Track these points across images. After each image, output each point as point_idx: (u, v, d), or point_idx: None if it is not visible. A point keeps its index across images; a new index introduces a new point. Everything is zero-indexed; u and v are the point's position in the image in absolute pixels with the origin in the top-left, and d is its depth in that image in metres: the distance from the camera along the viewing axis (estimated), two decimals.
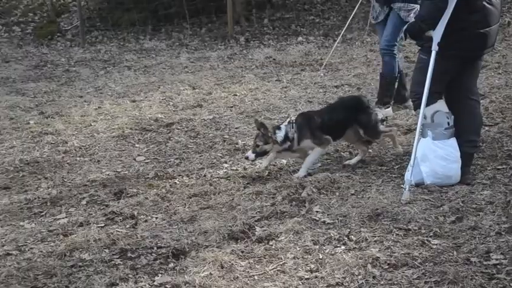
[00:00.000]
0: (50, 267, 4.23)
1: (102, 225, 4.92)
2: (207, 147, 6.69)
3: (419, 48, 5.47)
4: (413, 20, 5.53)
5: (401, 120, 7.11)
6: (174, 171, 6.00)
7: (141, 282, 3.98)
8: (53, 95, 9.23)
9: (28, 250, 4.54)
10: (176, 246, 4.42)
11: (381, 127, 5.89)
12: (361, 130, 5.81)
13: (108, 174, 6.13)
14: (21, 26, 13.98)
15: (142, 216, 5.03)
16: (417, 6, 6.77)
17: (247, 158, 5.76)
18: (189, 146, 6.82)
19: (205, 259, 4.20)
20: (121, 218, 5.03)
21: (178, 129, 7.38)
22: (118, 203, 5.35)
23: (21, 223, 5.09)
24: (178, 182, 5.73)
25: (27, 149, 6.96)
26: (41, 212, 5.32)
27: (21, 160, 6.64)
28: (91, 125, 7.74)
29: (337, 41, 8.12)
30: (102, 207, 5.30)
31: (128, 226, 4.87)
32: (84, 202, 5.45)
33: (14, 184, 6.01)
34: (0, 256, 4.46)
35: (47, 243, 4.65)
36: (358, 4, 7.73)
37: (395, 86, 7.37)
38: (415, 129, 5.65)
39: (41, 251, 4.50)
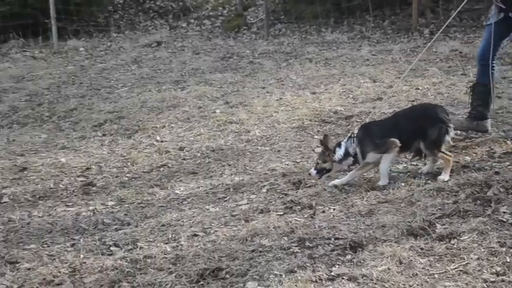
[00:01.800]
0: (232, 250, 4.43)
1: (281, 213, 5.04)
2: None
3: None
4: None
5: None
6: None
7: (319, 271, 4.02)
8: (238, 86, 9.61)
9: (213, 232, 4.79)
10: (354, 238, 4.41)
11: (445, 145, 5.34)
12: (422, 143, 5.33)
13: (287, 164, 6.27)
14: (211, 20, 14.71)
15: (320, 207, 5.08)
16: None
17: (310, 174, 5.58)
18: None
19: (383, 253, 4.14)
20: (299, 207, 5.12)
21: (357, 122, 7.34)
22: (297, 192, 5.45)
23: (207, 207, 5.37)
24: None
25: (213, 137, 7.33)
26: (225, 197, 5.57)
27: (208, 147, 7.00)
28: (272, 115, 7.95)
29: None
30: (281, 196, 5.43)
31: (306, 216, 4.94)
32: (264, 190, 5.62)
33: (200, 170, 6.36)
34: (189, 236, 4.75)
35: (229, 227, 4.87)
36: None
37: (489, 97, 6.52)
38: None
39: (225, 234, 4.72)
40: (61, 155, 7.17)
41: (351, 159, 5.43)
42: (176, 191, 5.83)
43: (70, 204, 5.72)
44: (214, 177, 6.11)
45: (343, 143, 5.47)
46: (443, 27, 7.17)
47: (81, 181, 6.33)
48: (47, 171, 6.68)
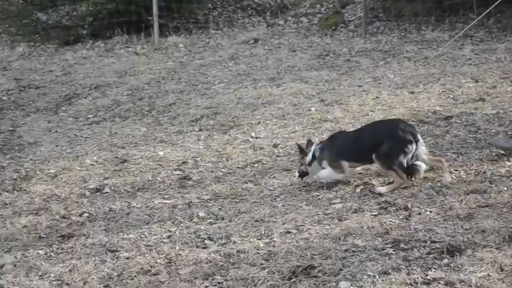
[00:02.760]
0: (325, 248, 4.41)
1: (376, 213, 4.97)
2: (487, 144, 6.34)
3: None
4: None
5: None
6: (451, 165, 5.80)
7: (414, 274, 3.94)
8: (334, 84, 9.54)
9: (306, 230, 4.79)
10: (451, 242, 4.28)
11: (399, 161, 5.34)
12: (374, 154, 5.43)
13: None
14: (308, 18, 14.67)
15: (416, 209, 4.97)
16: None
17: (295, 177, 5.88)
18: (468, 141, 6.54)
19: (483, 259, 4.00)
20: (394, 208, 5.03)
21: (457, 123, 7.12)
22: (391, 192, 5.35)
23: (300, 204, 5.38)
24: (454, 177, 5.54)
25: (307, 134, 7.31)
26: (318, 195, 5.56)
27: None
28: (368, 114, 7.84)
29: None
30: (375, 196, 5.35)
31: (401, 217, 4.85)
32: (358, 190, 5.56)
33: (294, 167, 6.36)
34: (282, 233, 4.77)
35: (322, 225, 4.85)
36: None
37: None
38: None
39: (317, 233, 4.71)
40: (159, 149, 7.39)
41: (316, 163, 5.71)
42: (269, 187, 5.86)
43: (167, 196, 5.88)
44: None
45: (312, 148, 5.79)
46: None
47: (177, 174, 6.50)
48: (146, 163, 6.90)
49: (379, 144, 5.41)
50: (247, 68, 11.03)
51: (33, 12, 15.20)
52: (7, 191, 6.39)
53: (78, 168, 6.93)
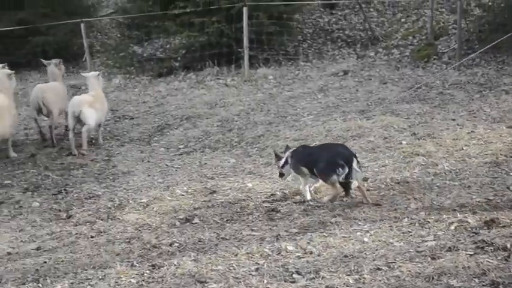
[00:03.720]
0: (417, 287, 4.29)
1: (471, 253, 4.80)
2: None
3: None
4: None
5: None
6: None
7: None
8: (426, 117, 9.36)
9: (397, 268, 4.67)
10: None
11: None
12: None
13: (478, 201, 5.98)
14: (400, 49, 14.53)
15: None
16: None
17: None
18: None
19: None
20: (492, 248, 4.84)
21: None
22: (489, 232, 5.16)
23: (391, 240, 5.26)
24: None
25: (398, 169, 7.20)
26: (410, 232, 5.42)
27: (392, 179, 6.89)
28: (463, 149, 7.65)
29: None
30: (471, 235, 5.17)
31: (499, 258, 4.65)
32: (452, 227, 5.39)
33: (384, 202, 6.26)
34: (372, 270, 4.68)
35: (415, 263, 4.72)
36: None
37: None
38: None
39: (409, 271, 4.59)
40: (248, 180, 7.47)
41: (288, 167, 6.73)
42: (359, 222, 5.79)
43: (255, 228, 5.91)
44: (399, 210, 5.99)
45: (286, 153, 6.81)
46: None
47: (266, 206, 6.53)
48: (234, 195, 6.98)
49: (321, 161, 6.40)
50: (337, 100, 11.01)
51: (130, 45, 15.86)
52: (102, 219, 6.62)
53: (169, 198, 7.09)
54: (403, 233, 5.42)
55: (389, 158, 7.64)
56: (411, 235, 5.33)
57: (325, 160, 6.38)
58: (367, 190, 6.49)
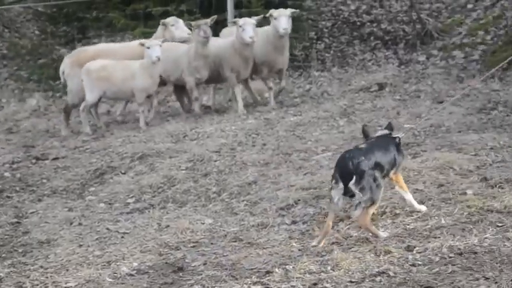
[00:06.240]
0: None
1: None
2: None
3: None
4: None
5: None
6: None
7: None
8: (504, 153, 9.41)
9: None
10: None
11: None
12: None
13: None
14: (465, 50, 14.68)
15: None
16: None
17: None
18: None
19: None
20: None
21: None
22: None
23: None
24: None
25: (460, 232, 7.22)
26: None
27: (451, 248, 6.89)
28: None
29: None
30: None
31: None
32: None
33: (439, 283, 6.26)
34: None
35: None
36: None
37: None
38: None
39: None
40: (232, 251, 7.52)
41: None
42: None
43: None
44: None
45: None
46: None
47: None
48: (212, 274, 7.01)
49: None
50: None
51: (55, 47, 15.95)
52: None
53: (111, 280, 7.08)
54: None
55: (446, 215, 7.66)
56: None
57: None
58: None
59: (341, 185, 7.14)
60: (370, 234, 7.30)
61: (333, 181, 7.25)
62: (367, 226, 7.29)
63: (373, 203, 7.24)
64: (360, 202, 7.17)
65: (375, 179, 7.22)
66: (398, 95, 12.67)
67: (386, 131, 7.80)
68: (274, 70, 13.54)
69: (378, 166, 7.30)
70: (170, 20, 13.52)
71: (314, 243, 7.27)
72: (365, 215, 7.25)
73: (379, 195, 7.33)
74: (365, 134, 7.81)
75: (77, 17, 15.73)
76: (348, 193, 7.16)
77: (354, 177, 7.10)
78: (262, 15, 13.19)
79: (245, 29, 12.73)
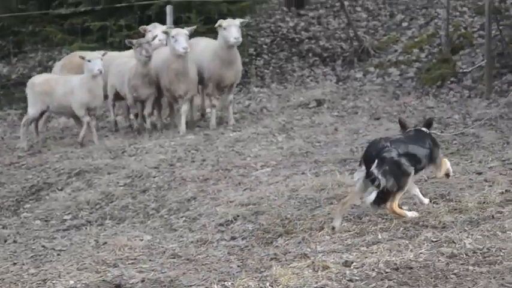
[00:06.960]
0: None
1: None
2: None
3: None
4: None
5: None
6: None
7: None
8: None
9: None
10: None
11: None
12: None
13: None
14: (401, 68, 14.84)
15: None
16: None
17: None
18: None
19: None
20: None
21: None
22: None
23: None
24: None
25: (396, 247, 7.27)
26: None
27: (387, 263, 6.95)
28: (493, 217, 7.78)
29: None
30: None
31: None
32: None
33: None
34: None
35: None
36: None
37: None
38: None
39: None
40: (170, 267, 7.48)
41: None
42: None
43: None
44: None
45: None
46: None
47: None
48: None
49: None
50: (306, 145, 11.14)
51: None
52: None
53: None
54: None
55: (383, 231, 7.71)
56: None
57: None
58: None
59: (363, 168, 7.62)
60: (399, 216, 7.80)
61: (358, 163, 7.87)
62: (394, 210, 7.76)
63: (398, 189, 7.65)
64: (376, 187, 7.57)
65: (399, 166, 7.60)
66: (336, 111, 12.75)
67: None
68: (222, 85, 13.29)
69: (408, 156, 7.67)
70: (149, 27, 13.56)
71: (333, 225, 7.78)
72: (392, 201, 7.70)
73: (405, 183, 7.71)
74: (402, 126, 8.28)
75: (12, 31, 15.60)
76: (370, 176, 7.55)
77: (376, 161, 7.51)
78: (195, 26, 13.04)
79: (178, 39, 12.51)
